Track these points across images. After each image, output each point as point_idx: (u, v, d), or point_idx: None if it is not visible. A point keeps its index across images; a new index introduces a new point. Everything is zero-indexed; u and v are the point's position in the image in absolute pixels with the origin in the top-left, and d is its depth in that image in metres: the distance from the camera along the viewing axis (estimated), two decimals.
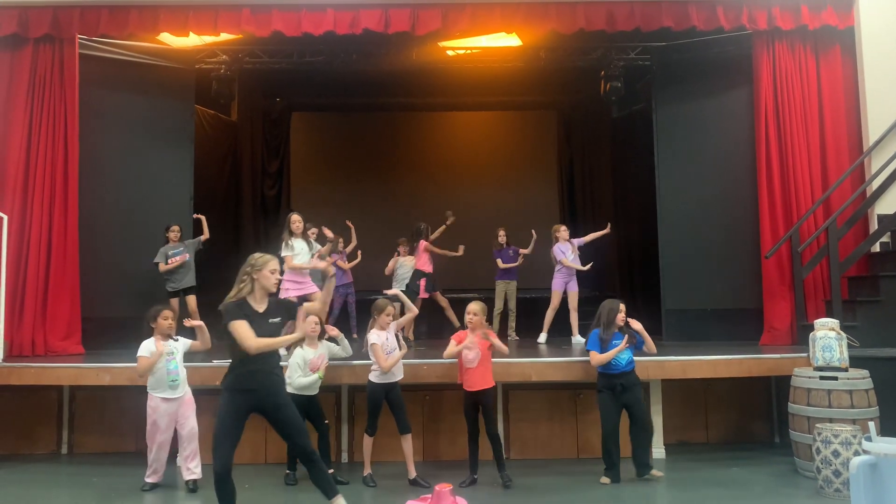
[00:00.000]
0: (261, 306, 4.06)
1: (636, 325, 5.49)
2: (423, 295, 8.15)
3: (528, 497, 5.09)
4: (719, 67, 8.17)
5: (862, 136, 7.46)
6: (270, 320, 4.06)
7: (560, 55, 9.60)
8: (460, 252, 8.57)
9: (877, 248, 7.03)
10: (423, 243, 8.36)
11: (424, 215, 9.08)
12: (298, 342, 5.17)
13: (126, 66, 8.17)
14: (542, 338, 8.03)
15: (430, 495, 4.16)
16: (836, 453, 4.88)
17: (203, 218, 8.03)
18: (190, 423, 5.36)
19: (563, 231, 8.15)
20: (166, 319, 5.33)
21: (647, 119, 8.74)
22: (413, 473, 5.31)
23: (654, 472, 5.39)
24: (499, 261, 8.74)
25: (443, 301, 8.44)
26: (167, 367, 5.26)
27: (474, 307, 5.32)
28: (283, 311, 4.20)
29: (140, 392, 6.60)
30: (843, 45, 7.59)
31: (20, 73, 7.37)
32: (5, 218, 6.79)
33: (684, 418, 6.53)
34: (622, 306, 5.49)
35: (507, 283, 8.76)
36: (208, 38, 8.53)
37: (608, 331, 5.40)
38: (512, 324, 8.74)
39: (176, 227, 7.86)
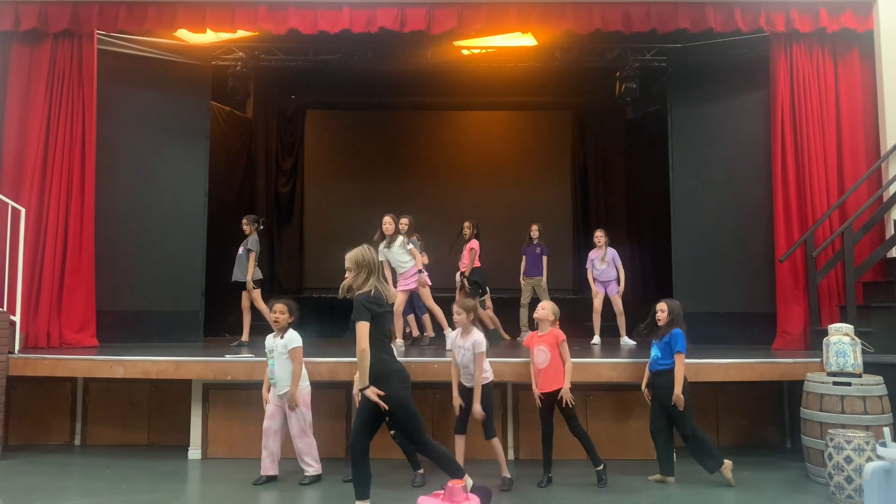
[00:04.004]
0: None
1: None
2: None
3: (545, 498, 5.09)
4: (736, 70, 8.12)
5: (879, 140, 7.39)
6: None
7: (575, 56, 9.59)
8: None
9: (893, 253, 6.96)
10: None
11: (437, 214, 9.10)
12: None
13: (143, 62, 8.24)
14: (596, 339, 8.10)
15: (441, 492, 4.17)
16: (848, 459, 4.84)
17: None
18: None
19: (597, 237, 8.26)
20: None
21: (662, 121, 8.71)
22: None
23: (657, 476, 5.48)
24: (524, 257, 8.80)
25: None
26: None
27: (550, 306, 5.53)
28: None
29: (151, 385, 6.69)
30: (861, 48, 7.52)
31: (39, 67, 7.44)
32: (23, 211, 6.87)
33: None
34: (658, 305, 5.74)
35: (533, 279, 8.74)
36: (225, 35, 8.57)
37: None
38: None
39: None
